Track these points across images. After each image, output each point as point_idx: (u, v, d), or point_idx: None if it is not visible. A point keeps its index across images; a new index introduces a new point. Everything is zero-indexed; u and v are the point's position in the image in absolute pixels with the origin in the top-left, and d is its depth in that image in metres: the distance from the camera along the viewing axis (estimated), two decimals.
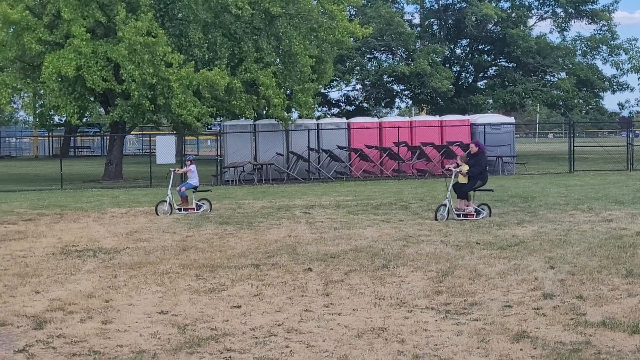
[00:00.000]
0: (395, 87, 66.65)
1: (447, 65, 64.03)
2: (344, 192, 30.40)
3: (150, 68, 35.89)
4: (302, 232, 18.56)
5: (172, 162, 37.07)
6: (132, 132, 60.57)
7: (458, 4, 64.69)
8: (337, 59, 50.83)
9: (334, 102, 68.80)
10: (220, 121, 47.29)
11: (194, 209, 23.24)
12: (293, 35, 39.07)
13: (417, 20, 68.58)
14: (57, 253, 16.07)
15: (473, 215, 20.30)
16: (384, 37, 59.97)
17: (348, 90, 67.62)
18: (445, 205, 20.27)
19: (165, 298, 11.65)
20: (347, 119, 44.70)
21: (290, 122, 39.87)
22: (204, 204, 23.60)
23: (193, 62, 37.43)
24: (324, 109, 68.23)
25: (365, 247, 16.06)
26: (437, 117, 44.24)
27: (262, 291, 12.03)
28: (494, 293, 11.62)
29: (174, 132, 46.98)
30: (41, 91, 40.01)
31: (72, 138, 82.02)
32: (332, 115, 64.90)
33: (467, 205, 20.65)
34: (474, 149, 21.41)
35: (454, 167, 20.99)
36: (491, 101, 61.63)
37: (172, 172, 23.74)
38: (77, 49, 35.82)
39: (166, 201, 23.16)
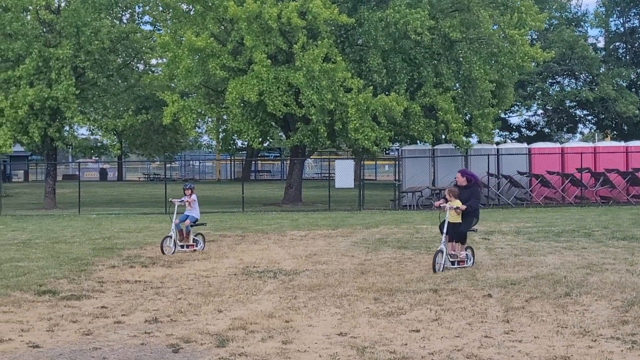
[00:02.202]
0: (578, 112, 65.23)
1: (633, 89, 62.13)
2: (524, 218, 29.84)
3: (328, 94, 36.35)
4: (482, 258, 18.29)
5: (351, 186, 37.36)
6: (311, 157, 61.33)
7: None
8: (517, 83, 50.23)
9: (514, 127, 67.93)
10: (399, 146, 47.35)
11: (193, 245, 20.56)
12: (473, 60, 38.80)
13: (601, 44, 66.99)
14: (239, 273, 16.40)
15: (464, 262, 16.86)
16: (567, 62, 58.84)
17: (529, 116, 66.66)
18: (442, 251, 16.48)
19: (344, 320, 11.68)
20: (527, 144, 43.96)
21: (469, 147, 39.53)
22: (199, 239, 20.93)
23: (372, 87, 37.68)
24: (504, 134, 67.43)
25: (547, 274, 15.67)
26: (622, 143, 42.90)
27: (441, 316, 11.90)
28: None
29: (353, 156, 47.32)
30: (224, 116, 41.17)
31: (253, 162, 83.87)
32: (513, 140, 64.02)
33: (461, 250, 17.00)
34: (461, 180, 17.41)
35: (441, 204, 17.11)
36: None
37: (176, 205, 20.59)
38: (259, 75, 36.64)
39: (171, 237, 20.16)
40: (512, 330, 10.92)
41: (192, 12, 40.82)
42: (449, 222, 16.68)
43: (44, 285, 14.89)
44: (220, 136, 43.35)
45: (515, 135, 67.06)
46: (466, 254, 16.96)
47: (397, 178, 41.49)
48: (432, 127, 39.49)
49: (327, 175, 67.41)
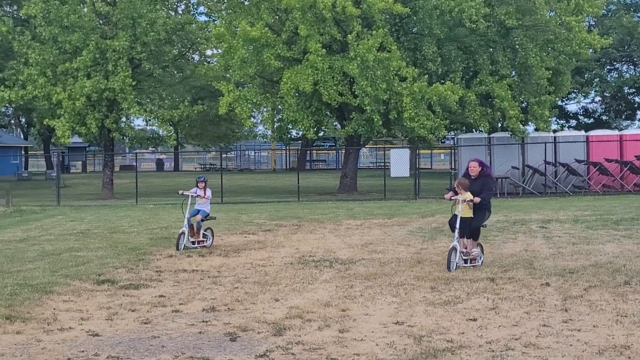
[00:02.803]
0: (636, 98, 64.35)
1: None
2: (582, 206, 29.52)
3: (383, 83, 36.26)
4: (539, 247, 18.14)
5: (406, 175, 37.25)
6: (366, 146, 61.27)
7: None
8: (574, 70, 49.62)
9: (571, 114, 67.23)
10: (455, 134, 47.14)
11: (204, 241, 19.30)
12: (529, 47, 38.43)
13: None
14: (295, 263, 16.44)
15: (476, 260, 15.59)
16: (625, 48, 58.06)
17: (586, 103, 65.92)
18: (455, 248, 15.17)
19: (400, 309, 11.66)
20: (585, 131, 43.47)
21: (525, 135, 39.19)
22: (208, 234, 19.63)
23: (427, 75, 37.51)
24: (561, 121, 66.77)
25: (606, 262, 15.50)
26: None
27: (498, 305, 11.82)
28: None
29: (408, 145, 47.18)
30: (279, 106, 41.21)
31: (308, 151, 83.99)
32: (570, 128, 63.38)
33: (473, 247, 15.72)
34: (474, 169, 15.85)
35: (452, 196, 15.84)
36: None
37: (190, 197, 19.24)
38: (314, 64, 36.64)
39: (185, 233, 18.80)
40: (571, 319, 10.82)
41: (246, 3, 40.98)
42: (460, 216, 15.41)
43: (102, 274, 15.06)
44: (275, 126, 43.46)
45: (573, 122, 66.40)
46: (478, 252, 15.69)
47: (453, 167, 41.28)
48: (488, 115, 39.22)
49: (382, 164, 67.27)
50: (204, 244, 19.10)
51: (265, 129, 53.78)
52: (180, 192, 20.08)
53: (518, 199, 34.79)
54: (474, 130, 41.22)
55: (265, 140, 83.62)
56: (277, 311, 11.63)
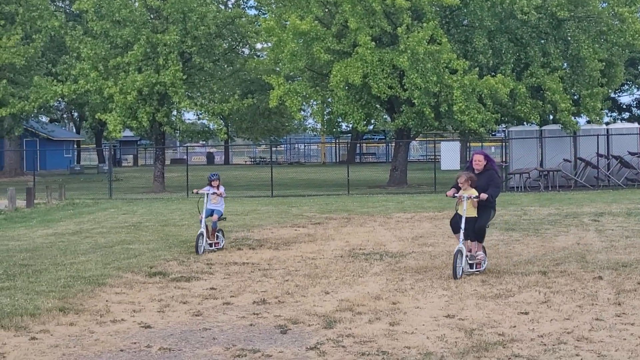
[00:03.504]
0: None
1: None
2: (635, 199, 29.17)
3: (433, 76, 36.10)
4: (592, 240, 17.97)
5: (457, 168, 37.07)
6: (416, 139, 61.08)
7: None
8: (628, 62, 49.04)
9: (624, 106, 66.43)
10: (505, 127, 46.84)
11: (218, 242, 18.02)
12: (581, 39, 38.03)
13: None
14: (345, 255, 16.44)
15: (480, 264, 14.07)
16: None
17: None
18: (461, 252, 13.62)
19: (451, 302, 11.62)
20: (639, 123, 42.92)
21: (576, 128, 38.80)
22: (220, 234, 18.23)
23: (477, 68, 37.28)
24: (614, 114, 66.01)
25: None
26: None
27: (550, 298, 11.73)
28: None
29: (458, 138, 46.96)
30: (329, 99, 41.21)
31: (358, 144, 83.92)
32: (623, 120, 62.64)
33: (478, 250, 14.18)
34: (479, 162, 14.43)
35: (455, 194, 14.27)
36: None
37: (206, 196, 17.95)
38: (363, 57, 36.57)
39: (203, 235, 17.39)
40: (624, 313, 10.71)
41: None
42: (465, 216, 13.83)
43: (154, 267, 15.18)
44: (325, 119, 43.47)
45: (626, 115, 65.59)
46: (483, 255, 14.19)
47: (504, 160, 40.99)
48: (539, 107, 38.88)
49: (432, 157, 67.07)
50: (218, 246, 17.82)
51: (315, 122, 53.71)
52: (194, 191, 18.98)
53: (570, 192, 34.47)
54: (524, 123, 40.84)
55: (315, 133, 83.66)
56: (327, 304, 11.64)
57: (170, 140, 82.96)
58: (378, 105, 42.04)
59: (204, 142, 74.11)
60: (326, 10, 41.36)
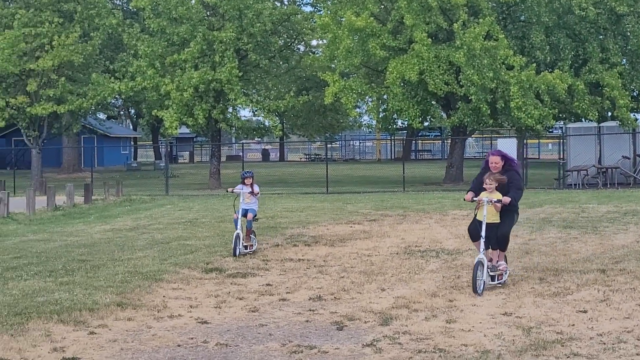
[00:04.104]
0: None
1: None
2: None
3: (489, 72, 35.85)
4: None
5: None
6: (473, 136, 60.72)
7: None
8: None
9: None
10: (563, 124, 46.36)
11: (252, 245, 16.95)
12: None
13: None
14: (401, 253, 16.38)
15: (502, 275, 12.71)
16: None
17: None
18: (482, 263, 12.16)
19: (508, 300, 11.52)
20: None
21: (635, 125, 38.27)
22: (253, 236, 17.15)
23: (535, 64, 36.96)
24: None
25: None
26: None
27: (609, 297, 11.57)
28: None
29: (515, 135, 46.59)
30: (385, 95, 41.11)
31: (413, 141, 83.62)
32: None
33: (500, 259, 12.79)
34: (496, 165, 12.90)
35: (474, 197, 12.75)
36: None
37: (242, 195, 17.07)
38: (419, 53, 36.43)
39: (240, 237, 16.35)
40: None
41: None
42: (486, 223, 12.45)
43: (210, 263, 15.25)
44: (380, 116, 43.38)
45: None
46: (505, 265, 12.88)
47: (561, 156, 40.56)
48: (597, 104, 38.45)
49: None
50: (252, 249, 16.78)
51: (370, 118, 53.65)
52: (229, 190, 17.94)
53: (629, 190, 34.00)
54: (582, 119, 40.41)
55: (370, 130, 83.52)
56: (383, 301, 11.60)
57: (226, 137, 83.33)
58: (434, 102, 41.88)
59: (260, 139, 74.39)
60: (382, 6, 41.27)
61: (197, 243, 18.29)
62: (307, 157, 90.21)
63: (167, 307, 11.34)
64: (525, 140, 44.98)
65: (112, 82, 42.08)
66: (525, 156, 42.21)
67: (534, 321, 10.19)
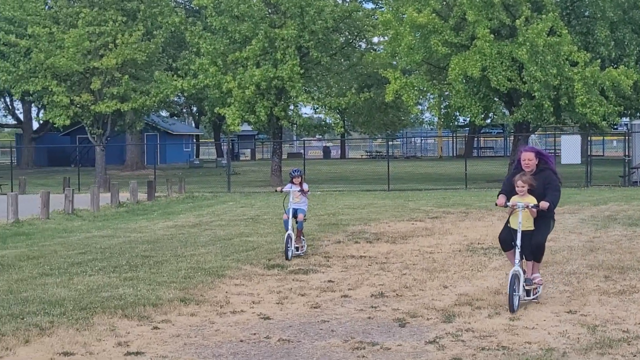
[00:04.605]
0: None
1: None
2: None
3: (553, 69, 35.46)
4: None
5: (578, 162, 36.46)
6: (536, 133, 60.14)
7: None
8: None
9: None
10: (628, 120, 45.70)
11: (303, 246, 16.17)
12: None
13: None
14: (463, 250, 16.27)
15: (537, 288, 11.32)
16: None
17: None
18: (518, 277, 10.79)
19: (573, 298, 11.38)
20: None
21: None
22: (303, 238, 16.38)
23: (599, 60, 36.50)
24: None
25: None
26: None
27: None
28: None
29: (579, 132, 46.07)
30: (447, 92, 40.91)
31: (475, 138, 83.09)
32: None
33: (535, 272, 11.36)
34: (530, 163, 11.47)
35: (507, 202, 11.43)
36: None
37: (291, 194, 16.17)
38: (482, 50, 36.17)
39: (292, 238, 15.55)
40: None
41: None
42: (521, 230, 11.11)
43: (272, 259, 15.29)
44: (442, 112, 43.17)
45: None
46: (540, 278, 11.47)
47: (626, 153, 40.01)
48: None
49: (552, 151, 65.89)
50: (303, 250, 16.03)
51: (432, 115, 53.43)
52: (278, 189, 17.04)
53: None
54: None
55: (431, 127, 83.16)
56: (446, 298, 11.53)
57: (287, 135, 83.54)
58: (496, 99, 41.56)
59: (321, 137, 74.50)
60: (444, 2, 41.03)
61: (259, 240, 18.36)
62: (369, 154, 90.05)
63: (230, 303, 11.39)
64: (589, 137, 44.48)
65: (175, 80, 42.42)
66: (589, 153, 41.71)
67: (599, 319, 10.05)
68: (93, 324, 10.01)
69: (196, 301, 11.43)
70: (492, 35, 36.38)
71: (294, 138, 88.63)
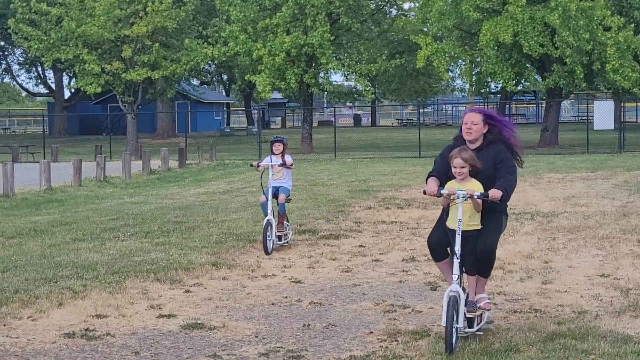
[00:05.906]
0: None
1: None
2: None
3: (585, 34, 35.11)
4: None
5: (611, 128, 36.19)
6: (568, 99, 59.71)
7: None
8: None
9: None
10: None
11: (287, 234, 13.35)
12: None
13: None
14: None
15: (482, 316, 7.91)
16: None
17: None
18: (457, 299, 7.42)
19: (606, 262, 11.31)
20: None
21: None
22: (287, 223, 13.54)
23: (633, 25, 36.10)
24: None
25: None
26: None
27: None
28: None
29: (612, 98, 45.68)
30: (478, 58, 40.65)
31: (507, 105, 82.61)
32: None
33: (481, 292, 8.00)
34: (475, 126, 7.81)
35: (441, 191, 7.78)
36: None
37: (271, 168, 13.28)
38: (514, 15, 35.86)
39: (272, 224, 12.68)
40: None
41: None
42: (457, 229, 7.67)
43: (303, 224, 15.31)
44: (473, 79, 42.92)
45: None
46: (487, 299, 8.05)
47: None
48: None
49: (584, 117, 65.36)
50: (287, 239, 13.29)
51: (463, 82, 53.17)
52: (254, 164, 13.63)
53: None
54: None
55: (463, 94, 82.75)
56: None
57: (318, 102, 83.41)
58: (528, 65, 41.24)
59: (351, 104, 74.34)
60: None
61: (290, 206, 18.30)
62: (399, 122, 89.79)
63: (261, 267, 11.42)
64: (622, 104, 44.09)
65: (205, 48, 42.42)
66: (622, 120, 41.34)
67: (633, 283, 9.99)
68: (125, 287, 10.06)
69: (228, 265, 11.46)
70: (524, 0, 36.04)
71: (325, 105, 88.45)
